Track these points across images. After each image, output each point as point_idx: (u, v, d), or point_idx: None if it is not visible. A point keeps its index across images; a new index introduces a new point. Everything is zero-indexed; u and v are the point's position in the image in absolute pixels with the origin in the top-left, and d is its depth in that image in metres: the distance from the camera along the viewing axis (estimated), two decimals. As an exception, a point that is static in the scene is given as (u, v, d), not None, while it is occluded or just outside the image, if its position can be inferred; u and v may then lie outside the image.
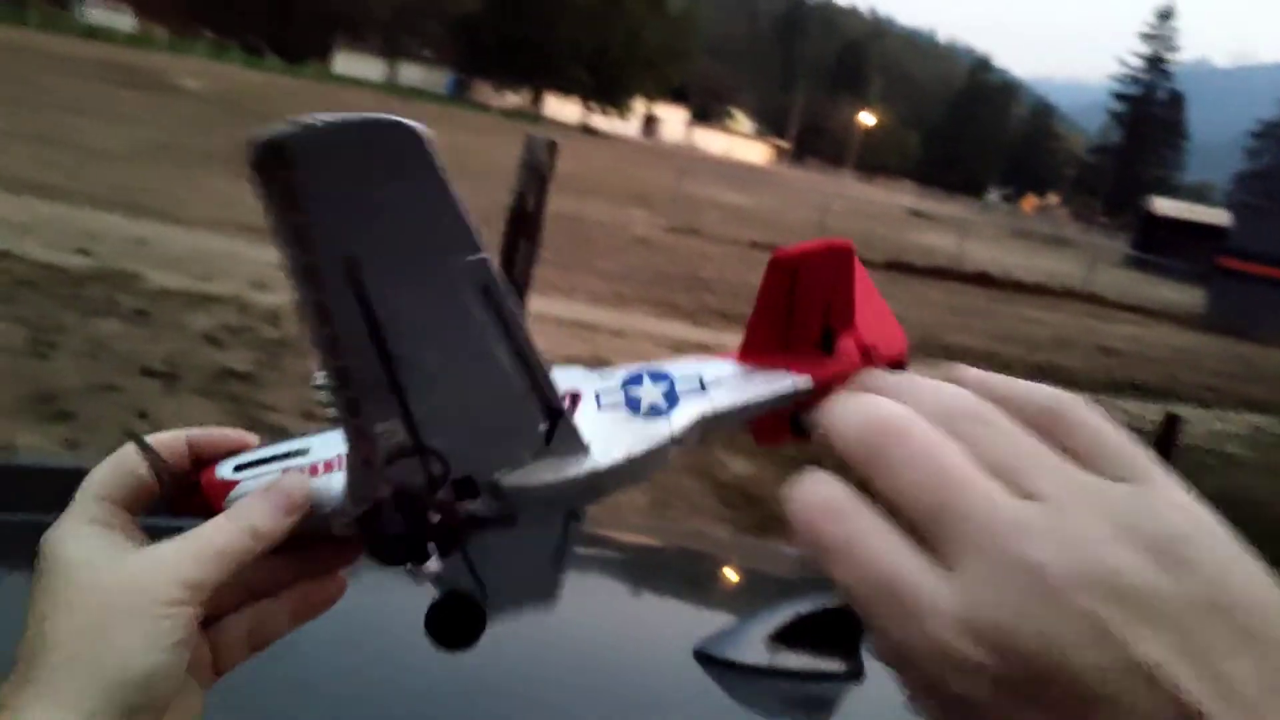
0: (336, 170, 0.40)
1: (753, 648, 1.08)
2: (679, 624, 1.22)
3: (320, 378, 0.46)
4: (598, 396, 0.52)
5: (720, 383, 0.53)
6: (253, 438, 0.53)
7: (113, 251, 7.52)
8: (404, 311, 0.43)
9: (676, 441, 0.51)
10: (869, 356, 0.55)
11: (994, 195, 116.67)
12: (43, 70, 23.29)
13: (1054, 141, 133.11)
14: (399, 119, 0.41)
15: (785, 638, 1.08)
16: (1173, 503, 0.31)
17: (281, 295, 7.35)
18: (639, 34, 70.30)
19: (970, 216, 37.78)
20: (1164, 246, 36.22)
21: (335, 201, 0.40)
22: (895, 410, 0.34)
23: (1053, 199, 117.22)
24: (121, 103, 19.92)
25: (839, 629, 1.10)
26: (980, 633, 0.29)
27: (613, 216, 18.36)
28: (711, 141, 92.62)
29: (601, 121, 74.38)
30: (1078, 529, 0.30)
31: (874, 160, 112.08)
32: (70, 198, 9.49)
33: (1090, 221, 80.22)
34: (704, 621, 1.28)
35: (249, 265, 7.89)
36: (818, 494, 0.34)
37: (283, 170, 0.39)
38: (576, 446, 0.49)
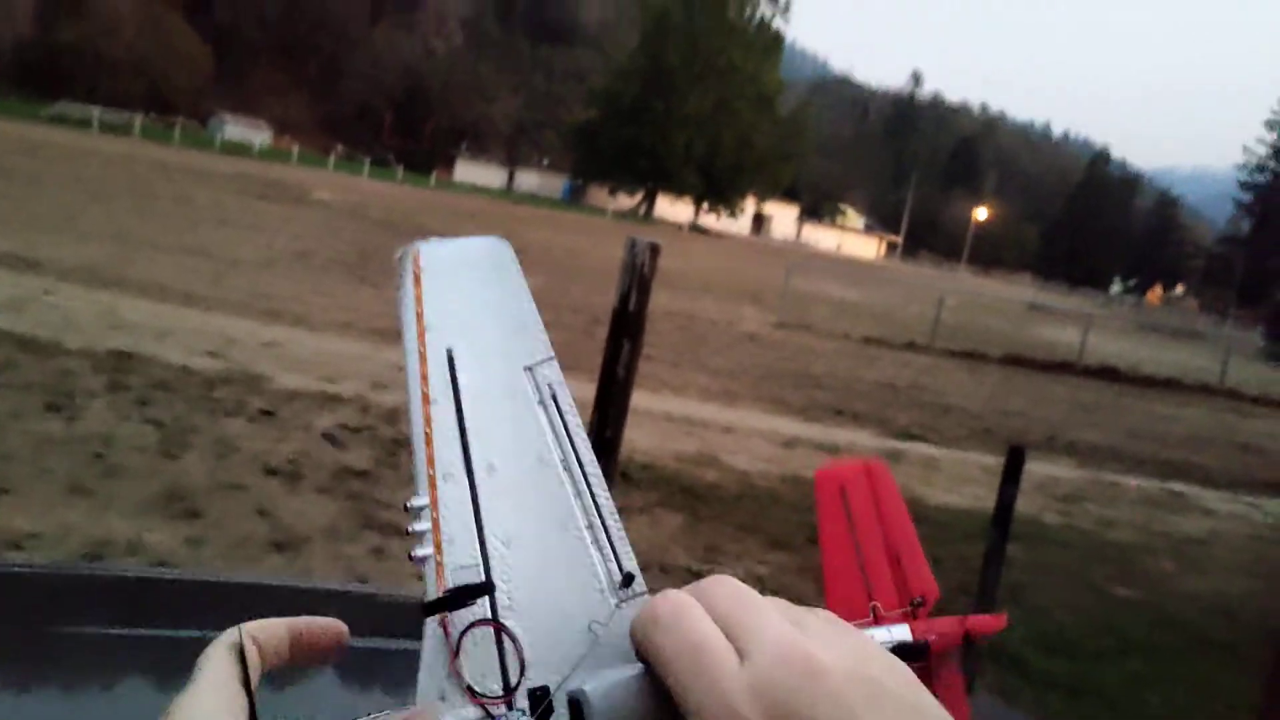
0: (449, 274, 0.53)
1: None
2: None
3: (414, 500, 0.48)
4: None
5: None
6: (344, 628, 0.51)
7: (244, 354, 7.87)
8: (483, 401, 0.50)
9: None
10: (967, 630, 0.65)
11: (1118, 288, 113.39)
12: (189, 185, 24.87)
13: (1179, 233, 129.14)
14: (497, 239, 0.56)
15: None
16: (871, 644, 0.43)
17: (400, 395, 7.58)
18: (750, 138, 71.36)
19: (1094, 310, 36.74)
20: (1304, 338, 34.50)
21: (445, 299, 0.53)
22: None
23: (1180, 291, 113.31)
24: (258, 214, 21.07)
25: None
26: (761, 696, 0.38)
27: (723, 314, 18.46)
28: (822, 237, 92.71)
29: (712, 220, 75.25)
30: (838, 642, 0.41)
31: (990, 254, 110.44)
32: (209, 304, 10.01)
33: (1221, 313, 77.14)
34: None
35: (371, 366, 8.16)
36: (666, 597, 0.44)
37: (415, 272, 0.53)
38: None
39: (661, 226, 60.34)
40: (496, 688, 0.45)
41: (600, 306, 14.36)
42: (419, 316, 0.52)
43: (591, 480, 0.50)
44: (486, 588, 0.45)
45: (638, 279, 2.73)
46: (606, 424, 2.75)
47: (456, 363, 0.51)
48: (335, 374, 7.75)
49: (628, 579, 0.48)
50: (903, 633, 0.64)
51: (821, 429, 9.56)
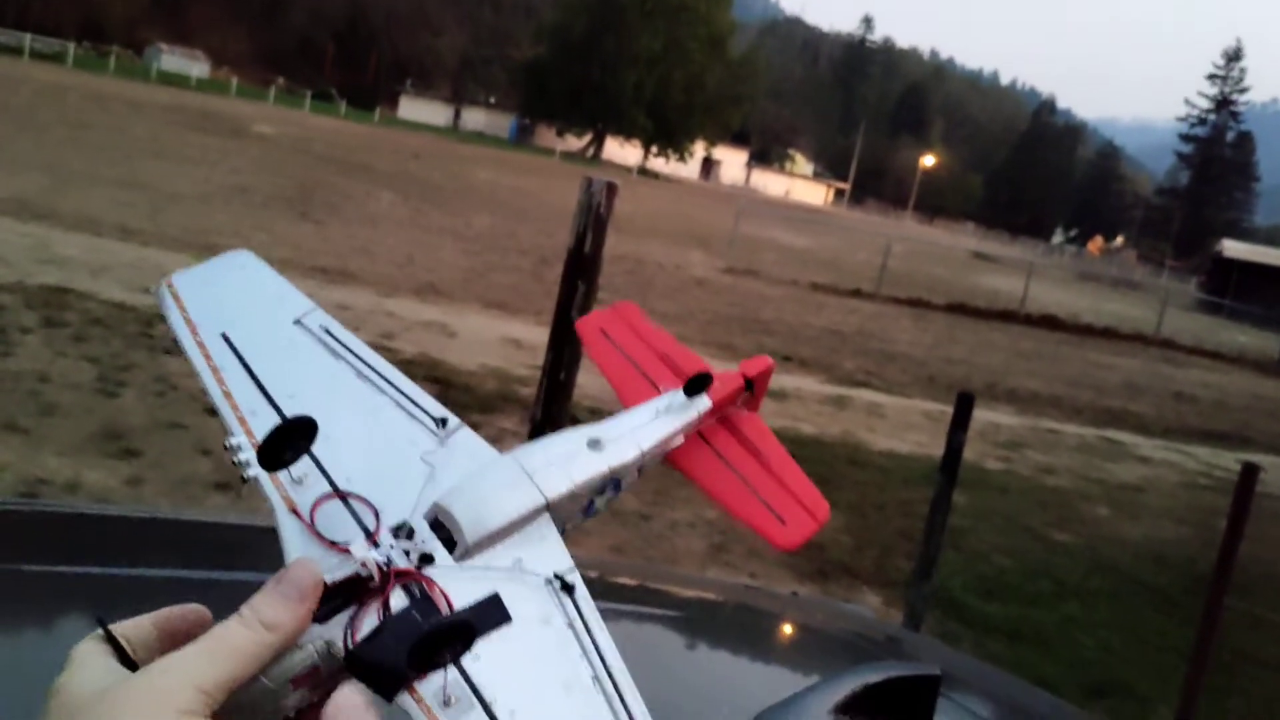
0: (204, 288, 0.65)
1: (816, 721, 1.02)
2: (736, 685, 1.17)
3: (231, 438, 0.55)
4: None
5: (642, 426, 0.68)
6: (206, 611, 0.52)
7: (182, 292, 7.68)
8: (266, 354, 0.60)
9: (614, 474, 0.61)
10: (749, 381, 0.78)
11: (1059, 237, 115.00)
12: (124, 116, 24.10)
13: (1120, 184, 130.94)
14: (238, 250, 0.68)
15: (851, 709, 1.02)
16: None
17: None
18: (701, 79, 70.69)
19: (1035, 259, 37.28)
20: (1236, 290, 35.40)
21: (208, 305, 0.63)
22: None
23: (1119, 242, 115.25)
24: (196, 147, 20.49)
25: (909, 700, 1.04)
26: None
27: (671, 258, 18.41)
28: (770, 183, 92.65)
29: (661, 164, 74.77)
30: None
31: (935, 202, 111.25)
32: (145, 238, 9.75)
33: (1158, 264, 78.62)
34: (763, 682, 1.23)
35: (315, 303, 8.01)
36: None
37: (177, 299, 0.64)
38: (514, 475, 0.54)
39: (610, 169, 59.86)
40: (360, 538, 0.50)
41: (549, 248, 14.21)
42: (189, 323, 0.62)
43: (382, 371, 0.60)
44: (304, 421, 0.51)
45: (594, 219, 2.68)
46: (560, 367, 2.71)
47: (234, 339, 0.60)
48: (278, 313, 7.59)
49: (442, 421, 0.58)
50: (680, 393, 0.73)
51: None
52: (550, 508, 0.54)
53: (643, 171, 66.51)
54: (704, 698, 1.09)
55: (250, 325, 0.62)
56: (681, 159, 76.78)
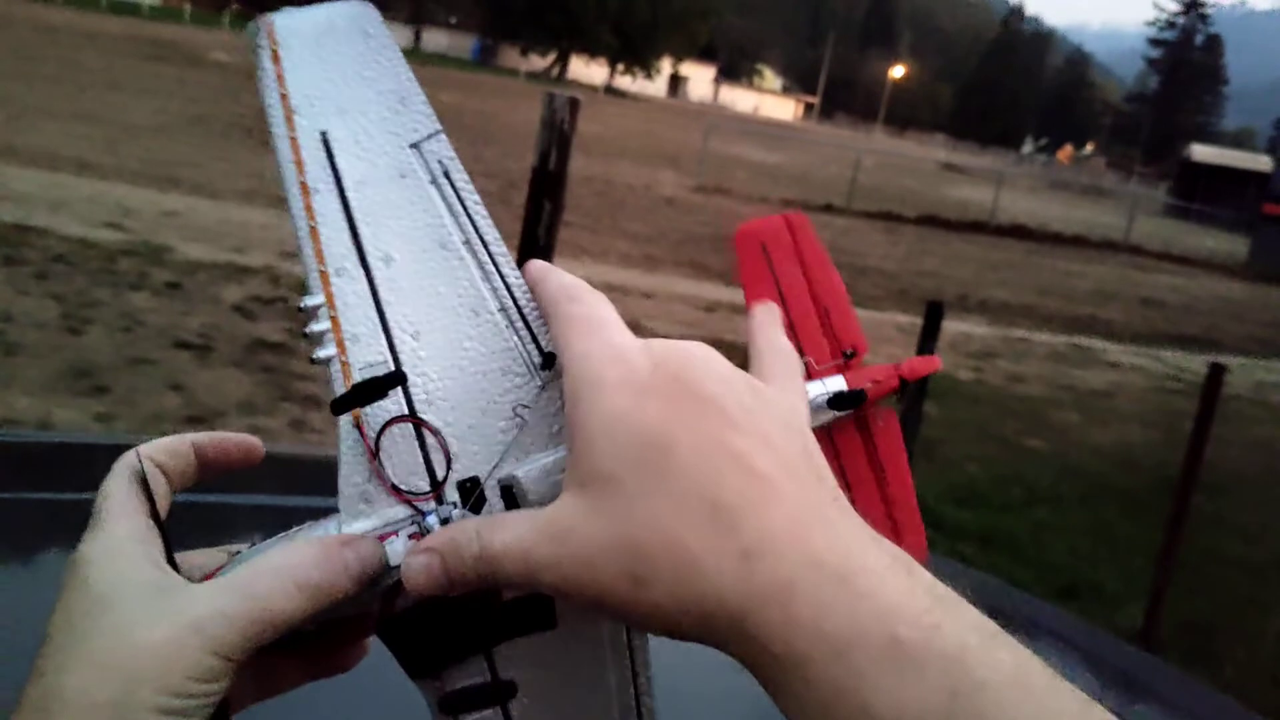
0: (311, 48, 0.48)
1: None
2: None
3: (306, 299, 0.44)
4: None
5: None
6: (259, 443, 0.48)
7: (145, 225, 7.56)
8: (369, 187, 0.46)
9: None
10: (902, 375, 0.63)
11: (1029, 147, 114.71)
12: (76, 47, 23.41)
13: (1090, 91, 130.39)
14: (360, 2, 0.50)
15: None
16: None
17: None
18: (665, -8, 69.46)
19: (1005, 169, 37.21)
20: (1205, 194, 35.57)
21: (311, 78, 0.47)
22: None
23: (1089, 149, 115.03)
24: (152, 77, 19.98)
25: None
26: (655, 352, 0.41)
27: (640, 178, 18.24)
28: (739, 99, 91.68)
29: (627, 82, 73.68)
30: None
31: (905, 114, 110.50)
32: (104, 172, 9.54)
33: (1128, 171, 78.67)
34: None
35: (278, 235, 7.91)
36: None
37: (272, 49, 0.48)
38: None
39: (576, 89, 58.96)
40: (423, 484, 0.43)
41: (516, 171, 14.02)
42: (284, 99, 0.47)
43: (499, 260, 0.46)
44: (397, 378, 0.43)
45: (558, 136, 2.63)
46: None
47: (334, 147, 0.46)
48: (241, 244, 7.50)
49: (549, 359, 0.45)
50: (837, 383, 0.61)
51: (742, 293, 9.59)
52: None
53: (609, 90, 65.52)
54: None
55: (358, 131, 0.47)
56: (648, 76, 75.69)
